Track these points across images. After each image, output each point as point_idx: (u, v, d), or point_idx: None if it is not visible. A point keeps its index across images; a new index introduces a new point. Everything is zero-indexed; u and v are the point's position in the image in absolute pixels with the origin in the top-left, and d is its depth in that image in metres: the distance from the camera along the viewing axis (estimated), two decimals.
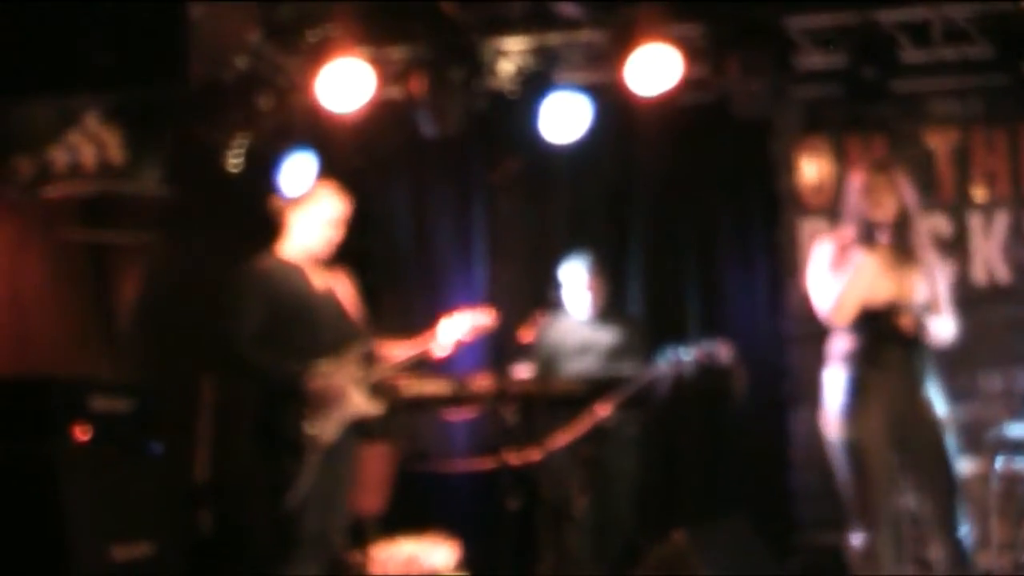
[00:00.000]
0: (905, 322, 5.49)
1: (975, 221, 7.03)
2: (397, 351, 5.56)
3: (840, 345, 5.65)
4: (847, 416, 5.66)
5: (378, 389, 5.45)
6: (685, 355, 6.07)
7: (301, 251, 5.42)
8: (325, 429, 5.20)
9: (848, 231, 5.47)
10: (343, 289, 5.49)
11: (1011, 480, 6.20)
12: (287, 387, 5.16)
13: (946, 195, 7.06)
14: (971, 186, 7.03)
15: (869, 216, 5.42)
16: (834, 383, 5.64)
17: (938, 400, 5.58)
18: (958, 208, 7.04)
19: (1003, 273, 6.98)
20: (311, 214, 5.45)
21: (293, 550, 5.14)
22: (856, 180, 5.43)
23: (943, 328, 5.46)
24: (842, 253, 5.52)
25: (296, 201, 5.48)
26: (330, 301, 5.41)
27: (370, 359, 5.44)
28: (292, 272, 5.38)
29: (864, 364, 5.61)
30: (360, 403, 5.32)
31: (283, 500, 5.09)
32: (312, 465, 5.17)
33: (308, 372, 5.19)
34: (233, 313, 5.25)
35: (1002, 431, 6.32)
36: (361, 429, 5.37)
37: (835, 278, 5.47)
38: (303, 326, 5.28)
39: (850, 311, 5.45)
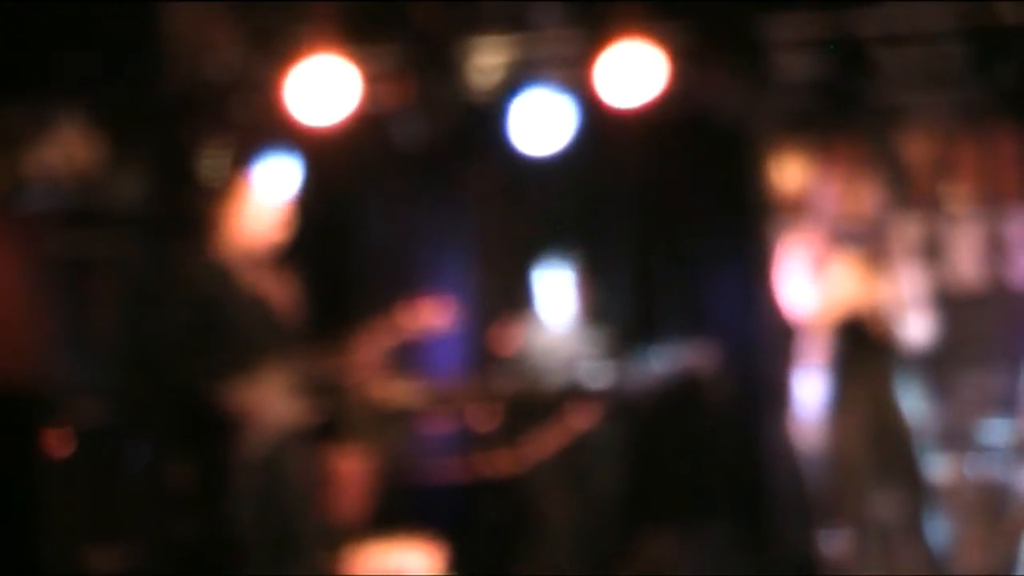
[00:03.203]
0: (879, 327, 5.53)
1: (952, 227, 7.06)
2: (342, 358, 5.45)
3: (815, 350, 5.68)
4: (823, 420, 5.69)
5: (324, 394, 5.29)
6: (666, 361, 6.11)
7: (234, 250, 5.17)
8: (252, 443, 5.01)
9: (824, 236, 5.50)
10: (278, 292, 5.24)
11: (986, 481, 6.24)
12: (208, 402, 4.98)
13: (923, 201, 7.08)
14: (948, 193, 7.06)
15: (845, 221, 5.46)
16: (809, 388, 5.68)
17: (912, 404, 5.62)
18: (935, 214, 7.07)
19: (979, 279, 7.00)
20: (247, 212, 5.24)
21: (247, 566, 5.02)
22: (832, 185, 5.47)
23: (916, 332, 5.50)
24: (818, 258, 5.56)
25: (230, 196, 5.26)
26: (259, 307, 5.14)
27: (308, 364, 5.23)
28: (219, 275, 5.13)
29: (839, 369, 5.64)
30: (292, 412, 5.12)
31: (223, 517, 4.98)
32: (245, 481, 5.01)
33: (229, 385, 4.98)
34: (155, 321, 5.06)
35: (977, 433, 6.36)
36: (322, 435, 5.29)
37: (812, 284, 5.50)
38: (226, 335, 5.02)
39: (829, 317, 5.48)
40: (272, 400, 5.06)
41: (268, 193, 5.27)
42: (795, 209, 7.12)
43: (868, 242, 5.56)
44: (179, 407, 5.10)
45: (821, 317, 5.74)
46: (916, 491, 5.87)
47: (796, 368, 6.08)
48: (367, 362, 5.60)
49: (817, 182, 6.88)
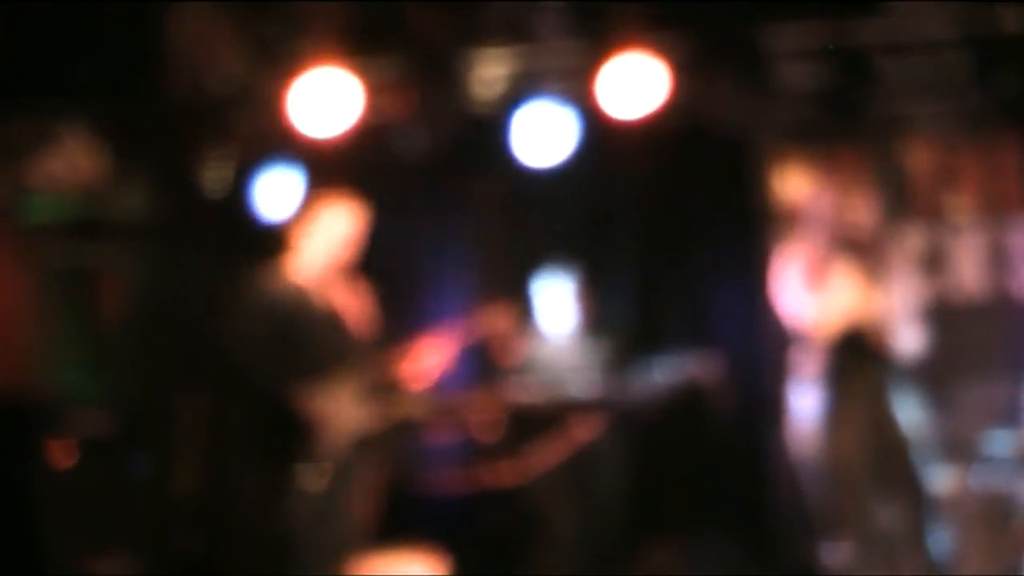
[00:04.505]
0: (878, 338, 5.54)
1: (954, 237, 7.05)
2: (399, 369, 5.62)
3: (812, 361, 5.68)
4: (820, 432, 5.69)
5: (382, 405, 5.51)
6: (669, 372, 6.11)
7: (308, 270, 5.45)
8: (325, 448, 5.23)
9: (823, 245, 5.50)
10: (353, 306, 5.50)
11: (990, 492, 6.22)
12: (286, 408, 5.21)
13: (925, 211, 7.07)
14: (950, 202, 7.06)
15: (843, 230, 5.46)
16: (807, 399, 5.67)
17: (911, 414, 5.61)
18: (937, 224, 7.06)
19: (982, 289, 6.99)
20: (318, 233, 5.49)
21: (294, 568, 5.18)
22: (831, 195, 5.47)
23: (914, 342, 5.51)
24: (815, 268, 5.56)
25: (303, 219, 5.52)
26: (333, 322, 5.43)
27: (376, 376, 5.48)
28: (296, 294, 5.44)
29: (838, 380, 5.64)
30: (361, 421, 5.35)
31: (282, 519, 5.13)
32: (313, 484, 5.21)
33: (306, 393, 5.23)
34: (236, 334, 5.29)
35: (981, 444, 6.35)
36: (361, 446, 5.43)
37: (813, 295, 5.50)
38: (303, 349, 5.33)
39: (828, 328, 5.49)
40: (343, 408, 5.25)
41: (341, 217, 5.58)
42: (798, 219, 7.13)
43: (867, 252, 5.56)
44: (257, 414, 5.33)
45: (820, 328, 5.74)
46: (917, 502, 5.85)
47: (796, 379, 6.08)
48: (426, 370, 5.80)
49: (817, 192, 6.88)
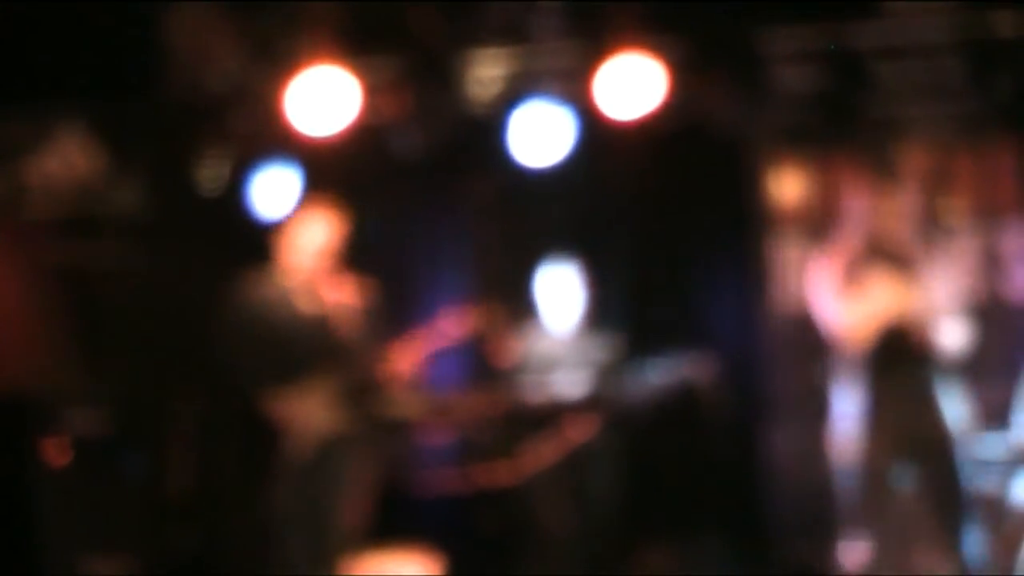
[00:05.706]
0: (916, 337, 5.58)
1: (948, 240, 7.06)
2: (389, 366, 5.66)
3: (850, 361, 5.70)
4: (858, 432, 5.70)
5: (364, 406, 5.52)
6: (664, 372, 6.12)
7: (292, 274, 5.48)
8: (296, 450, 5.25)
9: (853, 248, 5.53)
10: (344, 306, 5.51)
11: (983, 495, 6.24)
12: (261, 410, 5.24)
13: (919, 216, 7.08)
14: (945, 205, 7.08)
15: (876, 233, 5.51)
16: (845, 399, 5.69)
17: (952, 413, 5.64)
18: (932, 227, 7.07)
19: (975, 292, 7.00)
20: (297, 240, 5.53)
21: (271, 567, 5.20)
22: (860, 197, 5.51)
23: (952, 339, 5.54)
24: (848, 271, 5.59)
25: (283, 226, 5.56)
26: (318, 325, 5.45)
27: (360, 377, 5.50)
28: (279, 297, 5.50)
29: (875, 380, 5.67)
30: (330, 423, 5.36)
31: (258, 519, 5.16)
32: (285, 484, 5.23)
33: (275, 396, 5.25)
34: (217, 337, 5.32)
35: (973, 446, 6.37)
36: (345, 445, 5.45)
37: (848, 298, 5.53)
38: (284, 352, 5.35)
39: (871, 332, 5.52)
40: (312, 411, 5.28)
41: (318, 225, 5.68)
42: (796, 220, 7.14)
43: (899, 251, 5.63)
44: (231, 416, 5.38)
45: (865, 333, 5.76)
46: (951, 501, 5.86)
47: (797, 378, 6.10)
48: (405, 368, 5.83)
49: (817, 193, 6.90)
